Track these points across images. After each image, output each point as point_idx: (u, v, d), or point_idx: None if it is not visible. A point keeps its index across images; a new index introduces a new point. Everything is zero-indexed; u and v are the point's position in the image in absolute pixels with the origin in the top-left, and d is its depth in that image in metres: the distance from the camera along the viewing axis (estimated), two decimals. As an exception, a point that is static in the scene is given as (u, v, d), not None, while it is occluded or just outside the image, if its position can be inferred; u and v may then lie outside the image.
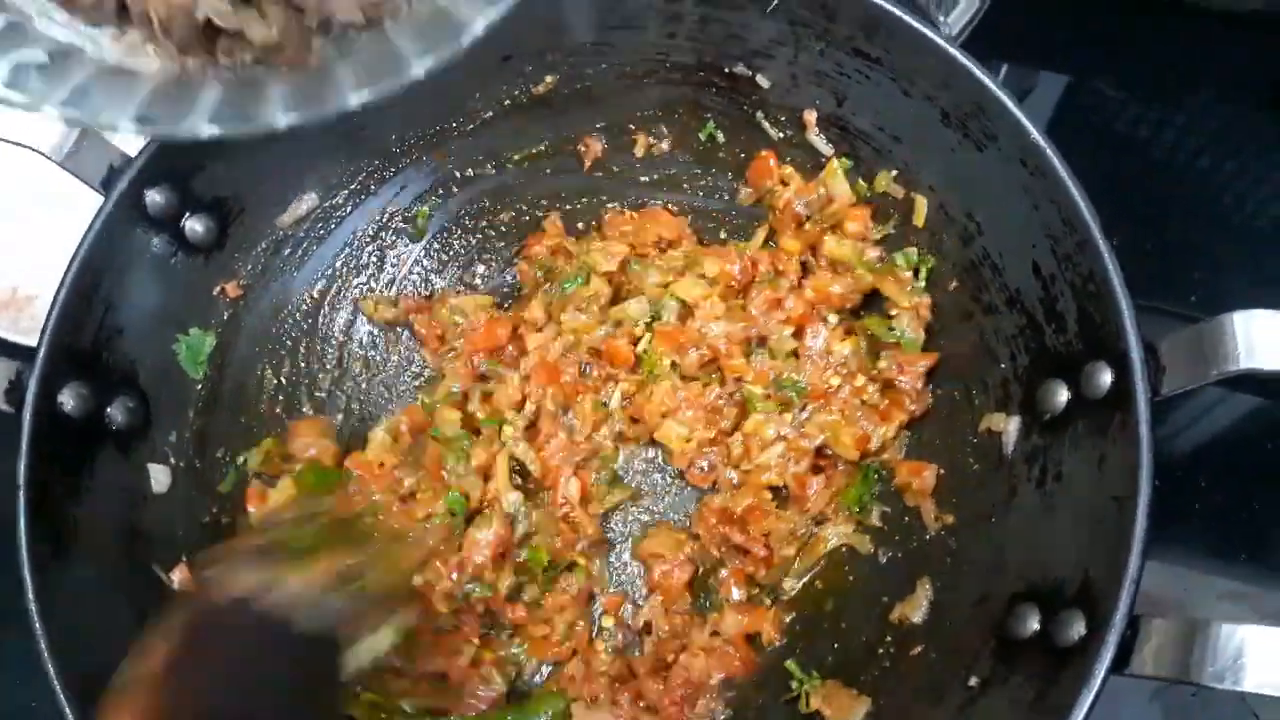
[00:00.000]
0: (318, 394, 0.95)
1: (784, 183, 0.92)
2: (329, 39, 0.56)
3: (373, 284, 0.97)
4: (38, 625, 0.68)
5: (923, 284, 0.87)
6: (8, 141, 0.83)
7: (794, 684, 0.82)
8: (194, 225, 0.85)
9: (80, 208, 0.80)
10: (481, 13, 0.55)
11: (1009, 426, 0.79)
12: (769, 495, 0.88)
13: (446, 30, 0.56)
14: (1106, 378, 0.70)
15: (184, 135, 0.51)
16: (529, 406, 0.90)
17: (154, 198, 0.82)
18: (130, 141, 0.83)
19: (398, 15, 0.56)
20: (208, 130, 0.51)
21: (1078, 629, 0.66)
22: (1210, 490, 0.97)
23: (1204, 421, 1.02)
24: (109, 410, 0.80)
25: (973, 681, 0.72)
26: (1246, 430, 1.02)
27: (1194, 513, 0.96)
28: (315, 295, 0.95)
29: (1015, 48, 1.19)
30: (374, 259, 0.97)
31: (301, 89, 0.54)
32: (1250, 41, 1.15)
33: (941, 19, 0.98)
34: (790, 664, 0.83)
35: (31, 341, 0.79)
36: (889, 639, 0.80)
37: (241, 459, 0.89)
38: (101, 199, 0.79)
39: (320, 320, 0.95)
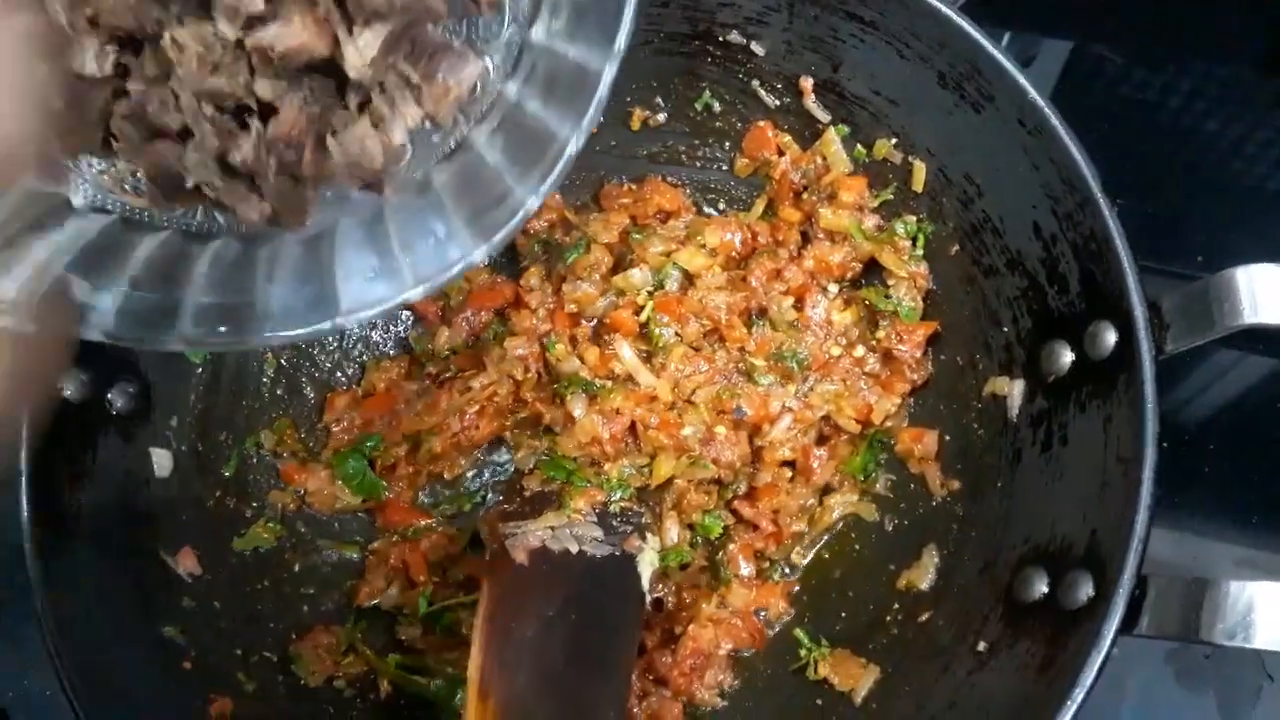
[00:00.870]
0: (319, 375, 0.95)
1: (781, 152, 0.91)
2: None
3: (371, 264, 0.97)
4: (41, 609, 0.68)
5: (920, 252, 0.86)
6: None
7: (802, 653, 0.82)
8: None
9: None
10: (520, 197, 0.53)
11: (1013, 390, 0.78)
12: (787, 472, 0.88)
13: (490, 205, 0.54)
14: (1110, 337, 0.70)
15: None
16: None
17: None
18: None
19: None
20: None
21: (1086, 591, 0.65)
22: (1220, 454, 0.96)
23: (1216, 386, 1.01)
24: (109, 395, 0.80)
25: (981, 646, 0.72)
26: (1258, 394, 1.01)
27: (1204, 477, 0.95)
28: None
29: (1018, 15, 1.18)
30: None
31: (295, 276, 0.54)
32: (1250, 3, 1.14)
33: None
34: (798, 632, 0.83)
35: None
36: (896, 607, 0.80)
37: (248, 442, 0.89)
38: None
39: (320, 302, 0.95)
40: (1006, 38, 1.18)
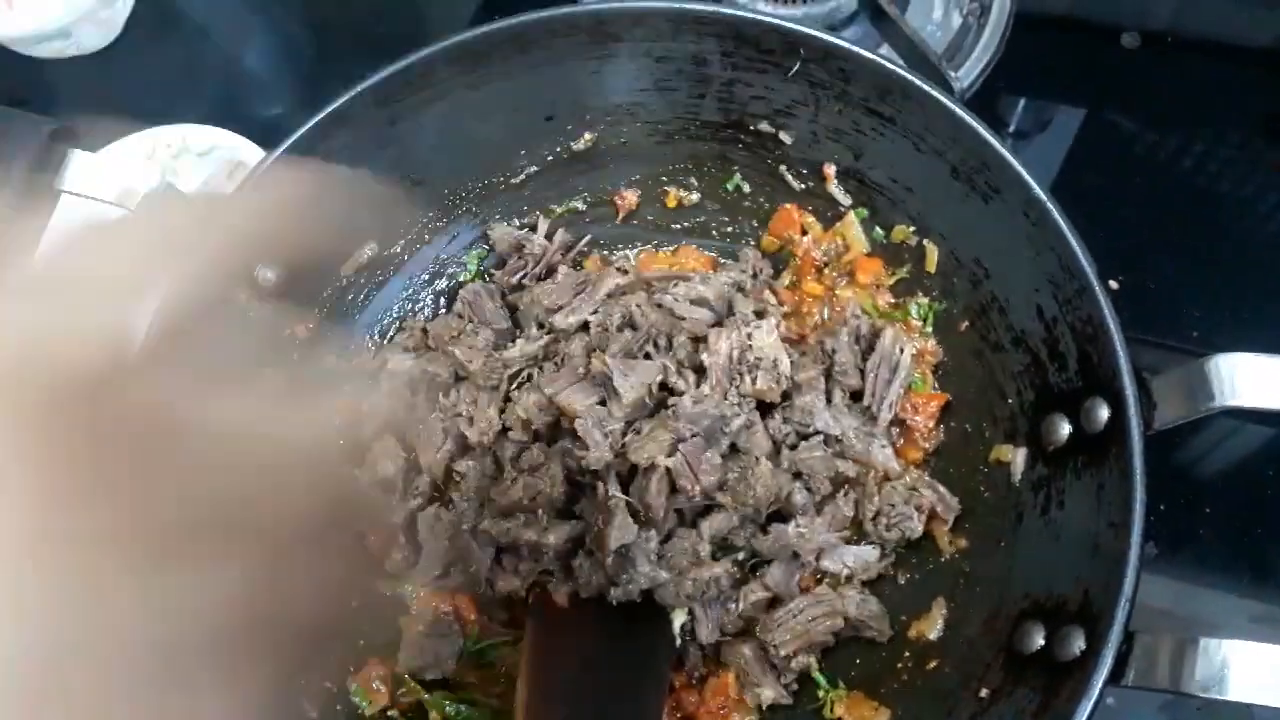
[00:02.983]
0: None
1: (804, 231, 0.99)
2: None
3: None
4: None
5: (930, 329, 0.94)
6: (86, 196, 0.91)
7: (820, 693, 0.88)
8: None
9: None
10: None
11: (1016, 457, 0.85)
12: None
13: None
14: (1104, 413, 0.76)
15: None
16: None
17: (231, 251, 0.90)
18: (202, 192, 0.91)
19: None
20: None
21: (1078, 644, 0.72)
22: (1215, 517, 1.02)
23: (1216, 452, 1.07)
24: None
25: (983, 693, 0.78)
26: (1255, 461, 1.07)
27: (1200, 537, 1.01)
28: (377, 336, 1.03)
29: (1032, 83, 1.26)
30: (429, 301, 1.05)
31: None
32: (1258, 73, 1.23)
33: (953, 75, 1.05)
34: (817, 675, 0.89)
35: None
36: (907, 654, 0.86)
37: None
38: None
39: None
40: (1021, 104, 1.27)
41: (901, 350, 0.91)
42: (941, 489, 0.90)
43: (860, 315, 0.94)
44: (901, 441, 0.93)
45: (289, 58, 1.45)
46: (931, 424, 0.92)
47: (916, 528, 0.89)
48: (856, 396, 0.93)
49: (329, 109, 0.90)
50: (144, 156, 1.27)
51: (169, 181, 0.92)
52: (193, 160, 1.26)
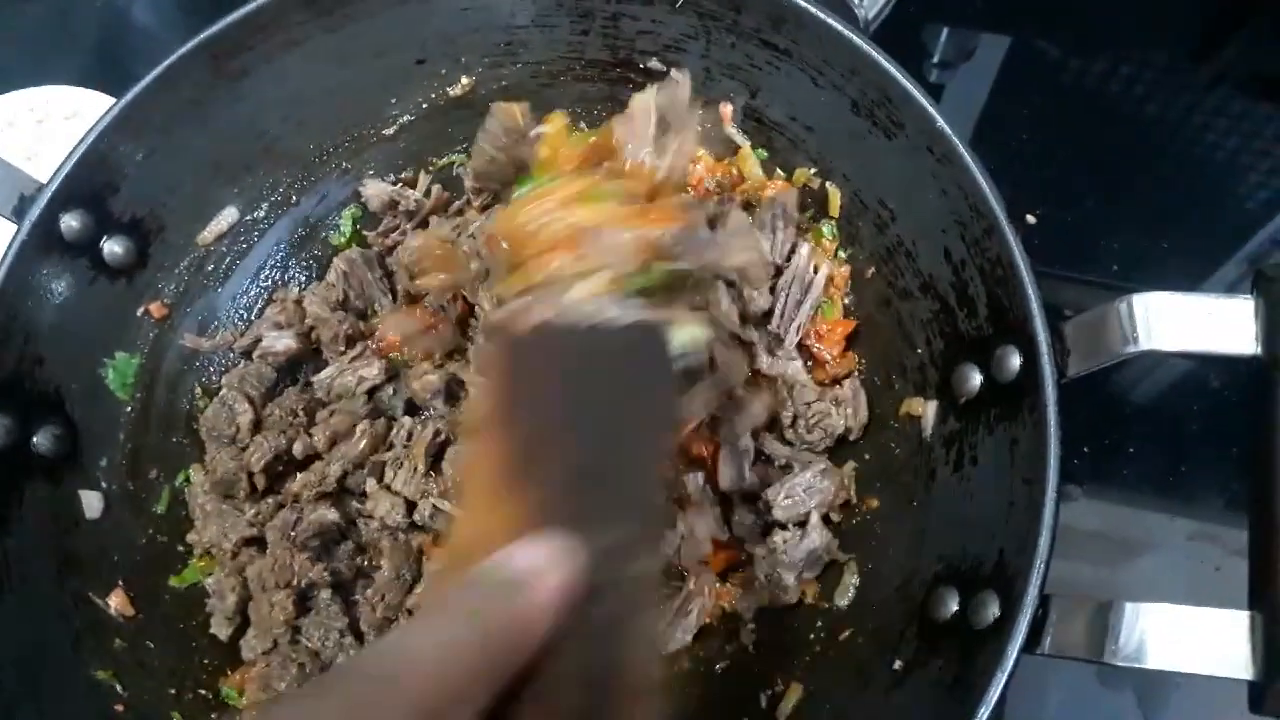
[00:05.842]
0: (250, 406, 0.95)
1: (694, 162, 0.92)
2: None
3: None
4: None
5: (845, 255, 0.88)
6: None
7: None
8: (113, 247, 0.85)
9: (-8, 239, 0.80)
10: None
11: (927, 411, 0.80)
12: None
13: None
14: (1015, 361, 0.71)
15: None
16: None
17: (69, 222, 0.81)
18: (40, 167, 0.82)
19: None
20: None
21: (993, 610, 0.67)
22: (1139, 456, 0.99)
23: (1137, 389, 1.03)
24: (35, 440, 0.80)
25: (897, 665, 0.73)
26: (1174, 396, 1.03)
27: (1123, 479, 0.98)
28: (242, 309, 0.94)
29: (955, 11, 1.22)
30: (299, 270, 0.97)
31: None
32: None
33: (856, 3, 0.98)
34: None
35: (-50, 376, 0.78)
36: (819, 624, 0.81)
37: (180, 478, 0.89)
38: (14, 227, 0.79)
39: (249, 333, 0.95)
40: (945, 33, 1.21)
41: (816, 270, 0.86)
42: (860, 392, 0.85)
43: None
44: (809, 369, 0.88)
45: (181, 6, 1.34)
46: (837, 352, 0.87)
47: (838, 422, 0.84)
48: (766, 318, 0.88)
49: (166, 63, 0.82)
50: (3, 125, 1.18)
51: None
52: (59, 126, 1.17)
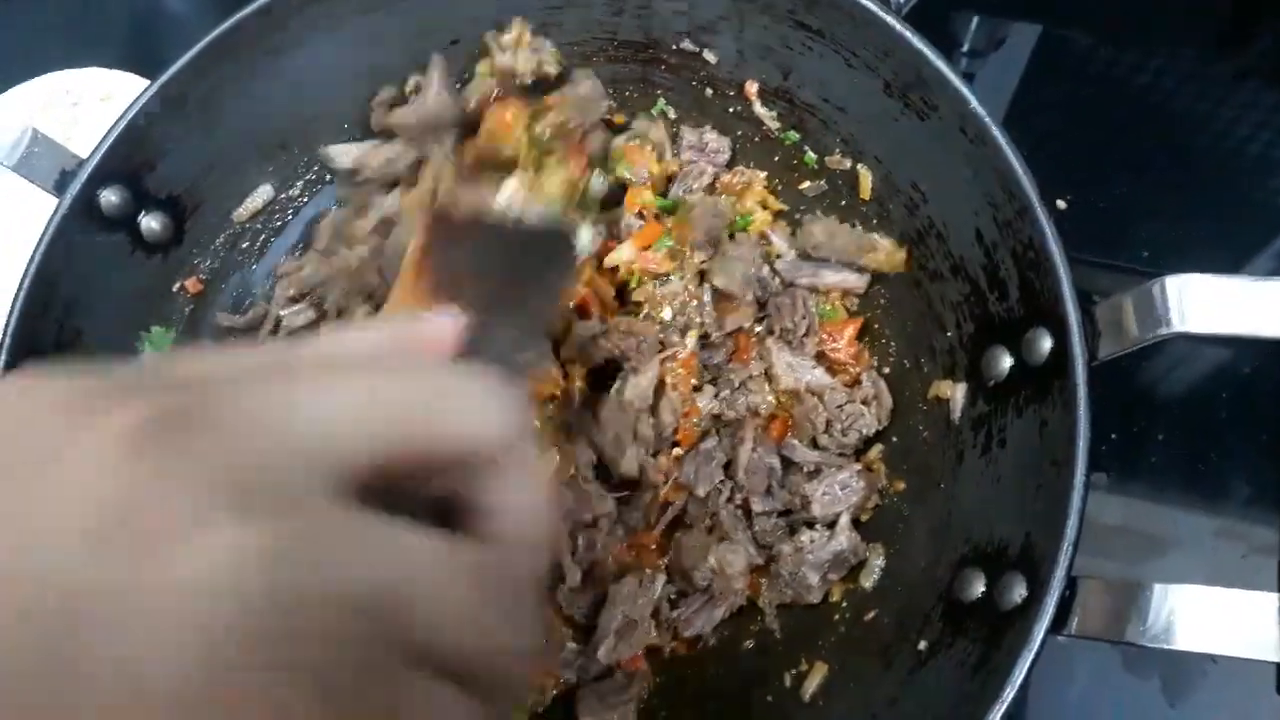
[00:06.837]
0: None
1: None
2: None
3: (333, 272, 0.98)
4: None
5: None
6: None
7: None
8: (150, 223, 0.86)
9: (34, 213, 0.81)
10: None
11: (956, 394, 0.80)
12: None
13: None
14: (1046, 344, 0.71)
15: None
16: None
17: (108, 198, 0.83)
18: (75, 148, 0.84)
19: None
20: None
21: (1019, 592, 0.67)
22: (1169, 443, 0.98)
23: (1168, 377, 1.03)
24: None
25: (922, 645, 0.74)
26: (1206, 384, 1.03)
27: (1153, 466, 0.97)
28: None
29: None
30: (334, 247, 0.98)
31: None
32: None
33: (891, -15, 0.98)
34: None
35: (-10, 349, 0.80)
36: (844, 605, 0.82)
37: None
38: (55, 202, 0.81)
39: (283, 310, 0.96)
40: (975, 21, 1.21)
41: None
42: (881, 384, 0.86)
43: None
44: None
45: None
46: (852, 350, 0.87)
47: (870, 422, 0.84)
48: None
49: (204, 41, 0.83)
50: (40, 106, 1.19)
51: (37, 132, 0.83)
52: (94, 108, 1.18)
